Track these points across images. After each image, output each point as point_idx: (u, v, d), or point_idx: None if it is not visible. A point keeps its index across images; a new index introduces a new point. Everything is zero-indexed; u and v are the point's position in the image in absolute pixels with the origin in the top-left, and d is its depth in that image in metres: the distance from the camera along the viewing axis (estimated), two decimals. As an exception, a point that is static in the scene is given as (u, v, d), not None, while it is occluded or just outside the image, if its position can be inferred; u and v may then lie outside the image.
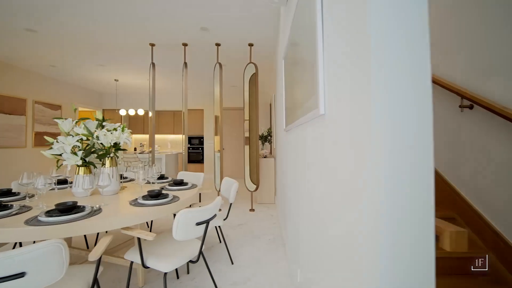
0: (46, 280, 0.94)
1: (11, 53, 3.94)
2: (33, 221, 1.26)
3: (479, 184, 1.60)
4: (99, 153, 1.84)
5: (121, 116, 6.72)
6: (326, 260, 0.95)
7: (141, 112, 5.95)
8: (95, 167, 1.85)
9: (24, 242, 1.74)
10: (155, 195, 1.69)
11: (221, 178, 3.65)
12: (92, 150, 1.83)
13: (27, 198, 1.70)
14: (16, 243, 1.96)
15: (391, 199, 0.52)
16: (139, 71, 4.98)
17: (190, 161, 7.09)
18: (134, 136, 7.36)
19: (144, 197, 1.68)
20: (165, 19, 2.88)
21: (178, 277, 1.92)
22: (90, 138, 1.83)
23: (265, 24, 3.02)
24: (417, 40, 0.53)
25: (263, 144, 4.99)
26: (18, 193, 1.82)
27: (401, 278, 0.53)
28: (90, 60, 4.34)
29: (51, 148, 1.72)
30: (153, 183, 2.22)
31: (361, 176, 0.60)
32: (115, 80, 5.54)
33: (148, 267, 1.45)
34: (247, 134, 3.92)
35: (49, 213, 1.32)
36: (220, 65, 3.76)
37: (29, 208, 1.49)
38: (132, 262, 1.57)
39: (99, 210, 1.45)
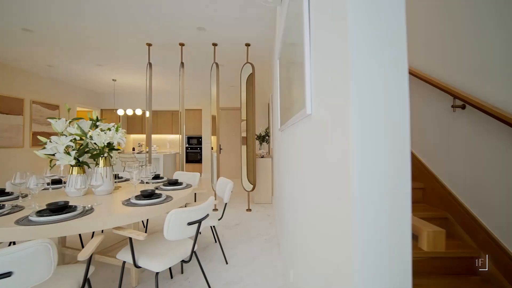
0: (34, 280, 0.94)
1: (8, 53, 3.94)
2: (24, 221, 1.26)
3: (472, 184, 1.60)
4: (93, 153, 1.84)
5: (119, 116, 6.72)
6: (310, 257, 0.95)
7: (138, 112, 5.96)
8: (88, 167, 1.85)
9: (18, 242, 1.75)
10: (148, 195, 1.69)
11: (218, 178, 3.66)
12: (86, 150, 1.83)
13: (20, 198, 1.70)
14: (11, 243, 1.97)
15: (365, 197, 0.52)
16: (137, 71, 4.98)
17: (189, 161, 7.10)
18: (133, 136, 7.36)
19: (137, 197, 1.68)
20: (162, 19, 2.89)
21: (171, 277, 1.92)
22: (83, 138, 1.83)
23: (262, 24, 3.02)
24: (393, 47, 0.53)
25: (260, 144, 4.99)
26: (12, 193, 1.82)
27: (376, 276, 0.53)
28: (88, 60, 4.34)
29: (44, 148, 1.72)
30: (147, 182, 2.23)
31: (341, 176, 0.61)
32: (113, 80, 5.54)
33: (140, 267, 1.45)
34: (244, 134, 3.93)
35: (40, 213, 1.32)
36: (217, 65, 3.76)
37: (21, 208, 1.49)
38: (124, 262, 1.57)
39: (91, 210, 1.45)
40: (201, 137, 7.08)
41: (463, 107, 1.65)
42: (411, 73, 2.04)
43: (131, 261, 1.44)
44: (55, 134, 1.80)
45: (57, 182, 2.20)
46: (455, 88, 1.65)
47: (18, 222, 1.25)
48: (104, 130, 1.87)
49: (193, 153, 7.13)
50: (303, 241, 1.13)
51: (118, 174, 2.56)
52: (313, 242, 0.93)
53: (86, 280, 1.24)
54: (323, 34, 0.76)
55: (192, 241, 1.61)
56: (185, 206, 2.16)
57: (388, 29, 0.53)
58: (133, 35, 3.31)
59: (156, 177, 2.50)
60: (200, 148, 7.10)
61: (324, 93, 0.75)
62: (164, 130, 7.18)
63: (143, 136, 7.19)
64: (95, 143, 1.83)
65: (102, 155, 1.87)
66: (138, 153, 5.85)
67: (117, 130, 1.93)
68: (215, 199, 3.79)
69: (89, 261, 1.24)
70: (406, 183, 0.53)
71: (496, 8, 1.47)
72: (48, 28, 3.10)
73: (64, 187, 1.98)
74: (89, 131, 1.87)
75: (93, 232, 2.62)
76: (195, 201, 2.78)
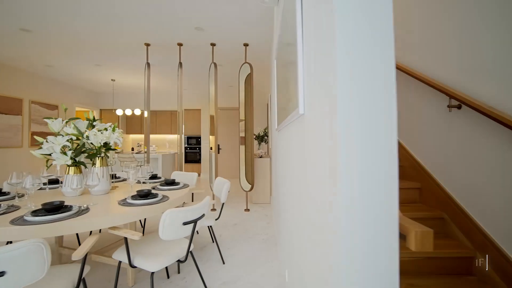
0: (27, 279, 0.94)
1: (6, 53, 3.94)
2: (19, 221, 1.26)
3: (468, 184, 1.60)
4: (90, 152, 1.84)
5: (118, 116, 6.73)
6: (303, 258, 0.95)
7: (137, 112, 5.96)
8: (85, 167, 1.85)
9: (14, 241, 1.75)
10: (144, 195, 1.69)
11: (216, 178, 3.66)
12: (83, 150, 1.83)
13: (16, 198, 1.70)
14: (8, 242, 1.97)
15: (351, 197, 0.52)
16: (136, 71, 4.98)
17: (188, 161, 7.10)
18: (132, 136, 7.36)
19: (133, 197, 1.68)
20: (159, 19, 2.89)
21: (168, 277, 1.92)
22: (80, 138, 1.83)
23: (259, 24, 3.02)
24: (381, 48, 0.53)
25: (259, 144, 4.99)
26: (8, 193, 1.82)
27: (364, 276, 0.53)
28: (87, 60, 4.34)
29: (41, 147, 1.72)
30: (143, 182, 2.23)
31: (329, 178, 0.61)
32: (112, 80, 5.54)
33: (136, 267, 1.45)
34: (242, 134, 3.93)
35: (35, 213, 1.32)
36: (215, 65, 3.76)
37: (17, 208, 1.49)
38: (120, 262, 1.57)
39: (86, 210, 1.46)
40: (200, 137, 7.09)
41: (459, 107, 1.65)
42: (408, 72, 2.04)
43: (127, 261, 1.44)
44: (54, 134, 1.81)
45: (54, 182, 2.20)
46: (451, 88, 1.65)
47: (13, 222, 1.25)
48: (100, 130, 1.87)
49: (192, 153, 7.13)
50: (297, 240, 1.13)
51: (115, 174, 2.56)
52: (305, 242, 0.93)
53: (80, 279, 1.24)
54: (313, 33, 0.76)
55: (187, 241, 1.61)
56: (183, 206, 2.16)
57: (375, 29, 0.53)
58: (131, 35, 3.31)
59: (153, 177, 2.50)
60: (199, 148, 7.10)
61: (315, 93, 0.75)
62: (163, 130, 7.18)
63: (142, 136, 7.20)
64: (91, 143, 1.83)
65: (98, 155, 1.87)
66: (137, 153, 5.86)
67: (113, 130, 1.93)
68: (213, 199, 3.80)
69: (83, 261, 1.24)
70: (393, 183, 0.53)
71: (493, 8, 1.47)
72: (46, 28, 3.10)
73: (61, 187, 1.98)
74: (85, 131, 1.87)
75: (91, 232, 2.62)
76: (192, 201, 2.78)
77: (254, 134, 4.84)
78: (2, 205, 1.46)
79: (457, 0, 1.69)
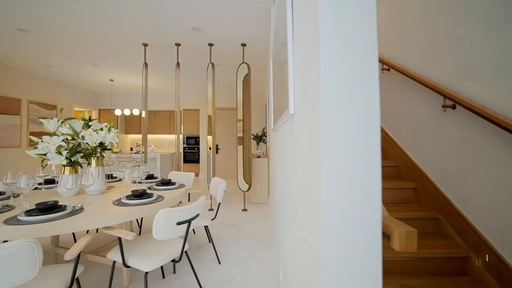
0: (18, 279, 0.95)
1: (4, 53, 3.94)
2: (12, 221, 1.26)
3: (462, 184, 1.60)
4: (85, 152, 1.85)
5: (117, 116, 6.73)
6: (295, 258, 0.96)
7: (136, 112, 5.96)
8: (81, 166, 1.85)
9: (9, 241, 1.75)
10: (139, 195, 1.70)
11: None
12: (78, 150, 1.83)
13: (11, 197, 1.70)
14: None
15: (333, 197, 0.52)
16: (135, 71, 4.98)
17: (187, 161, 7.10)
18: (131, 136, 7.37)
19: (128, 197, 1.68)
20: (157, 19, 2.89)
21: (164, 277, 1.92)
22: (76, 137, 1.83)
23: (257, 24, 3.03)
24: (364, 49, 0.53)
25: (257, 144, 4.99)
26: (4, 193, 1.82)
27: (346, 275, 0.53)
28: (85, 60, 4.34)
29: (36, 147, 1.72)
30: (139, 182, 2.23)
31: (315, 171, 0.61)
32: (110, 80, 5.54)
33: (130, 266, 1.45)
34: (240, 134, 3.93)
35: (28, 213, 1.32)
36: (213, 65, 3.77)
37: (11, 208, 1.49)
38: (114, 262, 1.57)
39: (80, 210, 1.46)
40: (199, 137, 7.09)
41: (453, 107, 1.65)
42: (403, 72, 2.05)
43: (121, 261, 1.44)
44: (50, 134, 1.81)
45: (50, 182, 2.20)
46: (445, 88, 1.65)
47: (7, 221, 1.25)
48: (96, 130, 1.87)
49: (191, 153, 7.14)
50: (290, 240, 1.14)
51: (112, 174, 2.56)
52: (296, 242, 0.93)
53: (73, 279, 1.24)
54: (302, 33, 0.76)
55: (182, 241, 1.61)
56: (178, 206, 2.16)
57: (359, 30, 0.53)
58: (128, 35, 3.32)
59: (150, 177, 2.50)
60: (198, 148, 7.10)
61: (304, 93, 0.75)
62: (162, 130, 7.18)
63: (141, 136, 7.20)
64: (87, 143, 1.83)
65: (94, 155, 1.87)
66: (135, 153, 5.86)
67: (109, 130, 1.93)
68: (211, 200, 3.80)
69: (76, 260, 1.24)
70: (376, 183, 0.53)
71: (487, 8, 1.47)
72: (43, 28, 3.10)
73: (57, 187, 1.98)
74: (81, 131, 1.87)
75: (87, 231, 2.62)
76: (189, 201, 2.78)
77: (252, 134, 4.84)
78: (-4, 205, 1.46)
79: (452, 1, 1.69)
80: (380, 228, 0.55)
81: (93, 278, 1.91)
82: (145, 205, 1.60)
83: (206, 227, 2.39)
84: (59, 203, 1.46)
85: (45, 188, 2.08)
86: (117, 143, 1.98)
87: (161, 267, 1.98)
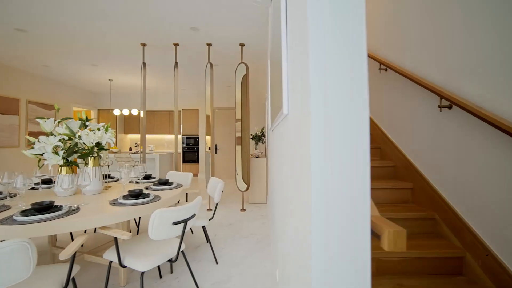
0: (12, 279, 0.95)
1: (2, 53, 3.94)
2: (8, 221, 1.26)
3: (458, 184, 1.60)
4: (82, 152, 1.85)
5: (116, 116, 6.73)
6: (288, 258, 0.96)
7: (135, 112, 5.96)
8: (78, 166, 1.85)
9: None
10: (135, 195, 1.70)
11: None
12: (75, 150, 1.83)
13: (8, 197, 1.70)
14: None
15: (321, 196, 0.53)
16: (133, 71, 4.98)
17: (186, 161, 7.10)
18: (130, 136, 7.37)
19: (125, 197, 1.68)
20: (155, 19, 2.89)
21: (161, 277, 1.93)
22: (72, 137, 1.83)
23: (255, 24, 3.03)
24: (354, 54, 0.53)
25: (256, 144, 4.99)
26: (0, 193, 1.82)
27: (334, 275, 0.53)
28: (84, 60, 4.34)
29: (33, 147, 1.73)
30: (137, 182, 2.23)
31: (305, 172, 0.61)
32: (109, 80, 5.54)
33: (126, 266, 1.45)
34: (239, 134, 3.93)
35: (24, 213, 1.32)
36: (211, 65, 3.77)
37: (7, 208, 1.49)
38: (111, 262, 1.57)
39: (76, 210, 1.46)
40: (198, 137, 7.09)
41: (449, 107, 1.65)
42: (399, 72, 2.05)
43: (117, 261, 1.44)
44: (47, 134, 1.81)
45: (47, 182, 2.20)
46: (441, 88, 1.65)
47: (2, 221, 1.25)
48: (93, 130, 1.87)
49: (190, 153, 7.14)
50: (285, 240, 1.14)
51: (109, 174, 2.56)
52: (290, 242, 0.93)
53: (69, 279, 1.24)
54: (295, 33, 0.76)
55: (179, 241, 1.61)
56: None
57: (348, 31, 0.53)
58: (127, 35, 3.31)
59: (147, 177, 2.51)
60: (197, 148, 7.10)
61: (296, 93, 0.75)
62: (162, 130, 7.19)
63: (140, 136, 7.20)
64: (83, 143, 1.83)
65: (91, 155, 1.87)
66: (134, 153, 5.86)
67: (106, 130, 1.93)
68: (209, 200, 3.80)
69: (72, 260, 1.25)
70: (365, 183, 0.53)
71: (485, 9, 1.47)
72: (42, 29, 3.10)
73: (54, 187, 1.99)
74: (78, 131, 1.87)
75: (85, 231, 2.63)
76: (186, 201, 2.78)
77: (251, 134, 4.84)
78: (-8, 205, 1.46)
79: (449, 1, 1.69)
80: (369, 228, 0.55)
81: (91, 278, 1.91)
82: (141, 205, 1.60)
83: (203, 227, 2.39)
84: (55, 203, 1.46)
85: (42, 188, 2.08)
86: (114, 143, 1.98)
87: (158, 267, 1.98)
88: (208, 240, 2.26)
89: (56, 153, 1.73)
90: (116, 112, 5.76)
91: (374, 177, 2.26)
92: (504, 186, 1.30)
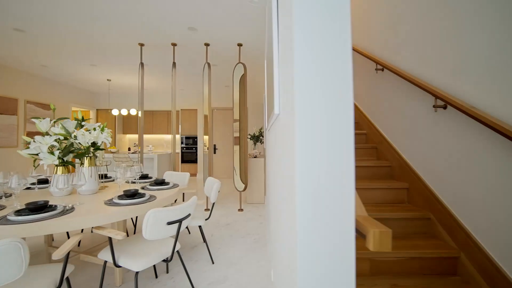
0: (4, 278, 0.95)
1: (0, 53, 3.94)
2: (2, 220, 1.26)
3: (453, 184, 1.60)
4: (78, 152, 1.85)
5: (115, 116, 6.73)
6: (282, 258, 0.96)
7: (133, 112, 5.96)
8: (74, 166, 1.85)
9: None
10: (131, 195, 1.70)
11: (210, 178, 3.66)
12: (71, 149, 1.83)
13: (3, 197, 1.70)
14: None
15: (306, 195, 0.53)
16: (132, 71, 4.99)
17: (185, 161, 7.10)
18: (128, 136, 7.37)
19: (120, 197, 1.68)
20: (153, 19, 2.89)
21: (156, 276, 1.93)
22: (68, 137, 1.83)
23: (253, 24, 3.03)
24: (338, 53, 0.53)
25: (255, 144, 5.00)
26: (-4, 193, 1.82)
27: (318, 274, 0.53)
28: (82, 60, 4.34)
29: (28, 147, 1.73)
30: (133, 182, 2.23)
31: (292, 172, 0.61)
32: (107, 80, 5.54)
33: (120, 266, 1.45)
34: (237, 134, 3.93)
35: (18, 212, 1.32)
36: (209, 65, 3.77)
37: (2, 207, 1.50)
38: (106, 261, 1.58)
39: (71, 209, 1.46)
40: (197, 137, 7.09)
41: (444, 107, 1.65)
42: (394, 71, 2.05)
43: (111, 261, 1.44)
44: (42, 134, 1.81)
45: (43, 182, 2.20)
46: (436, 88, 1.65)
47: (-4, 221, 1.25)
48: (89, 130, 1.88)
49: (189, 153, 7.14)
50: (279, 240, 1.14)
51: (106, 174, 2.56)
52: (282, 241, 0.93)
53: (62, 279, 1.24)
54: (284, 34, 0.76)
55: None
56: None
57: (333, 30, 0.54)
58: (125, 35, 3.32)
59: (144, 177, 2.51)
60: (196, 148, 7.10)
61: (287, 94, 0.75)
62: (161, 130, 7.19)
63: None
64: (79, 143, 1.83)
65: (87, 155, 1.87)
66: (132, 153, 5.86)
67: (102, 130, 1.94)
68: (207, 200, 3.80)
69: (66, 260, 1.25)
70: (349, 183, 0.53)
71: (478, 9, 1.47)
72: (40, 29, 3.10)
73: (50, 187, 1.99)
74: (73, 131, 1.87)
75: (82, 231, 2.63)
76: (183, 201, 2.78)
77: (249, 134, 4.85)
78: (-13, 204, 1.46)
79: (444, 1, 1.69)
80: (354, 227, 0.55)
81: (86, 278, 1.91)
82: (136, 205, 1.60)
83: (200, 227, 2.39)
84: (50, 203, 1.47)
85: (38, 188, 2.08)
86: (110, 143, 1.98)
87: (154, 266, 1.98)
88: (204, 240, 2.27)
89: (52, 153, 1.73)
90: (115, 112, 5.77)
91: (370, 177, 2.26)
92: (498, 186, 1.30)
